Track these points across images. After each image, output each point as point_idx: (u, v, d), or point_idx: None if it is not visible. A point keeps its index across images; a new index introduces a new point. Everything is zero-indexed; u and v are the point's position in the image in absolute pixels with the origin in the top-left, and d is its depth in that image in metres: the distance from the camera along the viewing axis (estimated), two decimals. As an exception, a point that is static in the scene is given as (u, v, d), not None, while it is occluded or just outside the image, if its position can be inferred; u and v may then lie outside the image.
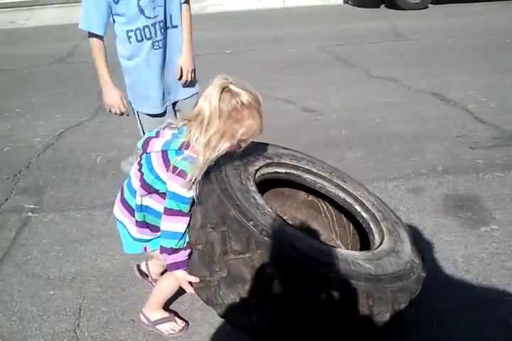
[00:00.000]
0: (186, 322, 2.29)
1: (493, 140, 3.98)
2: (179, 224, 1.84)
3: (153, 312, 2.25)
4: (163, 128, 1.94)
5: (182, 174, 1.77)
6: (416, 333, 2.16)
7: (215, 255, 1.80)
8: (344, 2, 10.87)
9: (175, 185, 1.80)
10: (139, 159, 1.96)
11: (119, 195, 2.07)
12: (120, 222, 2.07)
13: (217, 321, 2.26)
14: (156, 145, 1.85)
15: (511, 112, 4.51)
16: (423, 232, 2.82)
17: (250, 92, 1.79)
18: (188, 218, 1.86)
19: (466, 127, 4.25)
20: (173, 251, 1.85)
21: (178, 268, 1.89)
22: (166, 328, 2.24)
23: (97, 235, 2.97)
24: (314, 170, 2.38)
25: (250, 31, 8.29)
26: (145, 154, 1.90)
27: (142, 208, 1.93)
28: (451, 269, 2.53)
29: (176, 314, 2.31)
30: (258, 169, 2.14)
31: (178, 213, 1.83)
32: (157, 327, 2.24)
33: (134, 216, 1.97)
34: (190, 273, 1.89)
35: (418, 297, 1.93)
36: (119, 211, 2.06)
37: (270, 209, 1.91)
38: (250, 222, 1.78)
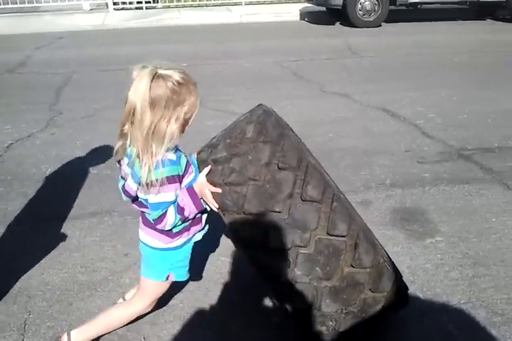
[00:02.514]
0: None
1: (440, 155, 4.12)
2: (170, 213, 1.81)
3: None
4: (120, 167, 1.91)
5: (166, 181, 1.74)
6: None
7: (280, 194, 1.74)
8: (300, 19, 11.07)
9: (166, 195, 1.76)
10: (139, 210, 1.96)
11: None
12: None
13: (167, 335, 2.25)
14: (132, 189, 1.84)
15: (457, 128, 4.68)
16: (371, 244, 2.89)
17: (177, 69, 1.76)
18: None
19: (415, 142, 4.38)
20: (162, 216, 1.82)
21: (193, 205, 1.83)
22: None
23: (45, 248, 2.91)
24: None
25: (207, 45, 8.33)
26: (137, 201, 1.91)
27: None
28: (397, 280, 2.59)
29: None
30: None
31: (164, 215, 1.81)
32: None
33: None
34: (240, 204, 1.79)
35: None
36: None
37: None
38: (327, 176, 1.77)
